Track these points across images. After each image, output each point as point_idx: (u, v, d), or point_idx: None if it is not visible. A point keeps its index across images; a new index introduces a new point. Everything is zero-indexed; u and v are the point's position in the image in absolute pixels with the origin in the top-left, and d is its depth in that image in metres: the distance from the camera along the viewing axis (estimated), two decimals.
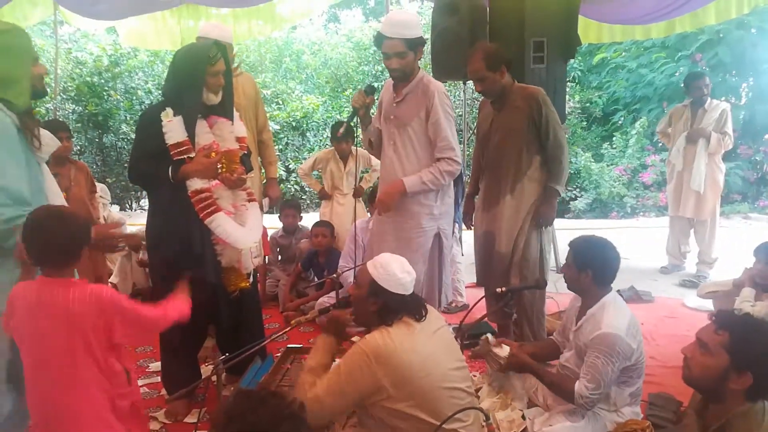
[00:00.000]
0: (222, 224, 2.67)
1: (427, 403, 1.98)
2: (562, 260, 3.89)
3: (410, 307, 2.09)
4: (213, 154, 2.71)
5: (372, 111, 3.26)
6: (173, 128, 2.64)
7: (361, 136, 3.33)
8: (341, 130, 3.74)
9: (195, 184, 2.66)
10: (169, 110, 2.66)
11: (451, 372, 2.07)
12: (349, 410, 2.21)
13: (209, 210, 2.66)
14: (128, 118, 9.57)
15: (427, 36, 3.78)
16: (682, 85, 5.38)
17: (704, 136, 4.90)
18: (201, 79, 2.66)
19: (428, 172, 3.01)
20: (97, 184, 4.31)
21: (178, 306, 2.09)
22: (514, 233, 3.20)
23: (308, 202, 9.87)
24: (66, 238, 1.85)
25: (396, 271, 2.08)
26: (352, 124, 3.33)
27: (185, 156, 2.66)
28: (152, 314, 1.99)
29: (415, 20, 3.01)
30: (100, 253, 3.88)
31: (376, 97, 3.23)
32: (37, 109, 9.01)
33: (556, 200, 3.26)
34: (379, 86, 3.31)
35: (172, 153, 2.64)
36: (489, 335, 2.72)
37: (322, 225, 4.47)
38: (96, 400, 1.90)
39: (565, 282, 2.59)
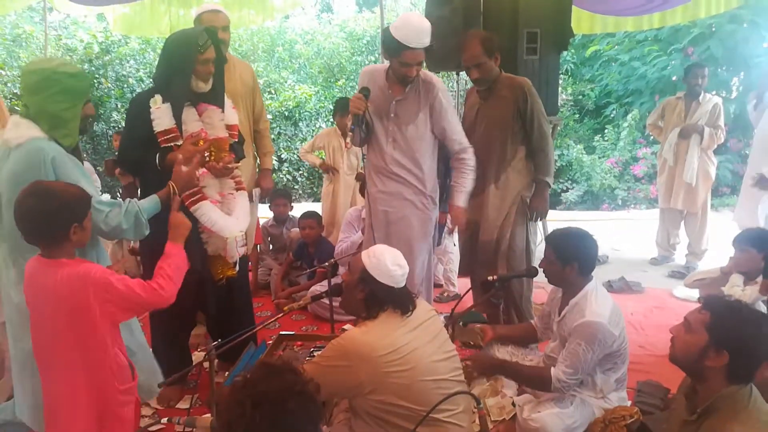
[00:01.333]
0: (207, 212, 2.66)
1: (411, 394, 1.99)
2: None
3: (396, 300, 2.09)
4: (201, 142, 2.70)
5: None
6: (161, 115, 2.64)
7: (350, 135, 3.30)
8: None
9: None
10: (157, 97, 2.65)
11: (437, 363, 2.08)
12: (332, 399, 2.24)
13: (194, 198, 2.64)
14: (119, 107, 9.49)
15: None
16: (675, 78, 5.40)
17: (697, 131, 4.91)
18: (190, 67, 2.65)
19: (466, 179, 3.07)
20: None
21: (171, 271, 1.98)
22: (498, 223, 3.21)
23: (300, 191, 9.86)
24: (50, 215, 1.80)
25: (387, 262, 2.09)
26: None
27: (173, 143, 2.64)
28: (145, 290, 1.91)
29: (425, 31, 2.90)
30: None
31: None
32: None
33: (548, 192, 3.27)
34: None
35: (159, 140, 2.64)
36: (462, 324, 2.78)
37: (310, 217, 4.46)
38: (80, 391, 1.84)
39: (547, 277, 2.60)
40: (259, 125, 3.92)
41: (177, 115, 2.66)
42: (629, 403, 2.53)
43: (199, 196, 2.66)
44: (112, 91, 9.51)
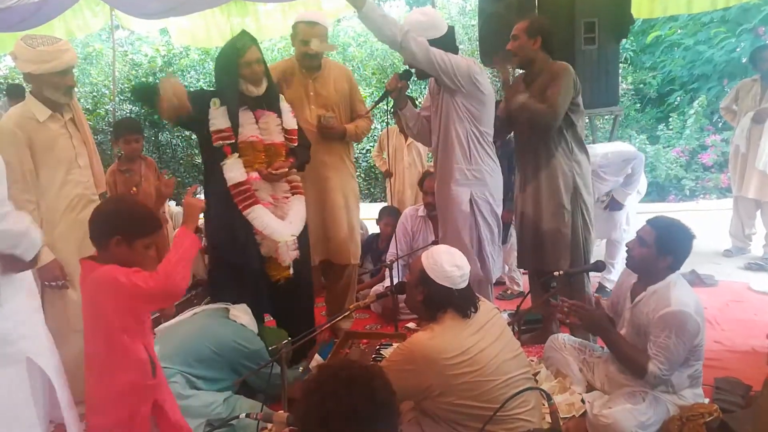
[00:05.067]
0: (259, 216, 2.79)
1: (481, 395, 1.98)
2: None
3: (456, 303, 2.06)
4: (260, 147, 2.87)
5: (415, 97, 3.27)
6: (217, 116, 2.81)
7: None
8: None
9: (235, 177, 2.79)
10: (216, 99, 2.82)
11: (506, 362, 2.05)
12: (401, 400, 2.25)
13: (247, 202, 2.79)
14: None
15: (475, 22, 3.67)
16: (745, 60, 5.13)
17: None
18: (235, 71, 2.81)
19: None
20: None
21: (175, 257, 1.88)
22: (551, 211, 3.10)
23: (365, 192, 9.98)
24: (97, 224, 1.90)
25: (444, 263, 2.07)
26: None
27: (225, 142, 2.80)
28: (146, 281, 1.83)
29: (419, 24, 2.95)
30: (165, 243, 4.02)
31: (409, 83, 3.15)
32: (97, 110, 9.41)
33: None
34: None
35: (213, 138, 2.80)
36: None
37: (391, 215, 4.51)
38: (116, 386, 1.89)
39: (633, 258, 2.46)
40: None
41: (233, 117, 2.81)
42: (705, 400, 2.43)
43: (252, 200, 2.80)
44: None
